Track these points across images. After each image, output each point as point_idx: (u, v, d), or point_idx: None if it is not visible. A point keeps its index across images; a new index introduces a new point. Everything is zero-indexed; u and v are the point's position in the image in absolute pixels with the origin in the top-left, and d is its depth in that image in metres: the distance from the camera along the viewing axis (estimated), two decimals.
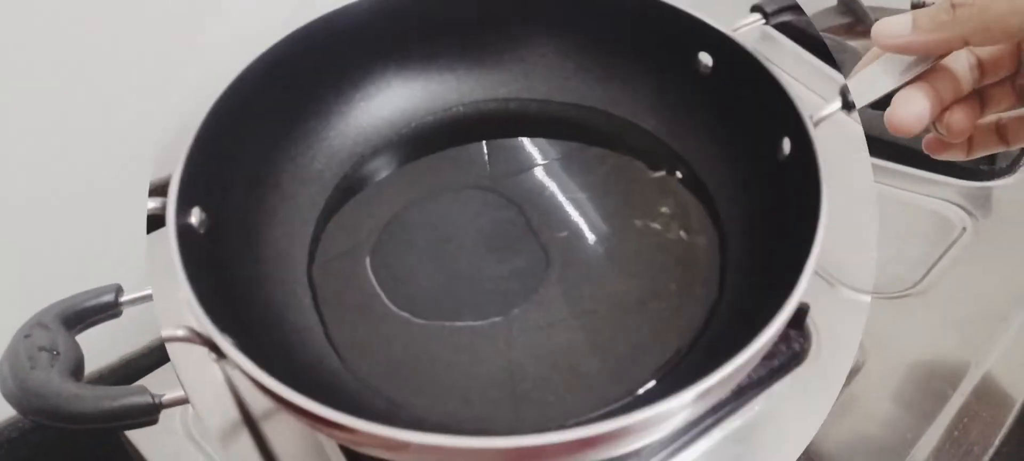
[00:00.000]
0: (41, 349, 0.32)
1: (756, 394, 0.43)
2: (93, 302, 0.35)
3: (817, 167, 0.38)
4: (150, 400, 0.31)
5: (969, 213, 0.53)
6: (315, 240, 0.46)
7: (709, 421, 0.42)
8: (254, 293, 0.41)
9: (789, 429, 0.42)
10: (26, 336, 0.32)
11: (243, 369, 0.31)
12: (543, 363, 0.40)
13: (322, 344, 0.41)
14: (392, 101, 0.51)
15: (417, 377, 0.40)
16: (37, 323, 0.33)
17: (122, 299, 0.36)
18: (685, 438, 0.41)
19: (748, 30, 0.45)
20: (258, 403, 0.44)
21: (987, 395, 0.43)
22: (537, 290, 0.43)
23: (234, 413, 0.44)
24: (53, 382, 0.31)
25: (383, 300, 0.43)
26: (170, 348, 0.45)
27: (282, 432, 0.43)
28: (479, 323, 0.42)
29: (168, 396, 0.32)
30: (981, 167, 0.56)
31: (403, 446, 0.29)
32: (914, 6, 0.69)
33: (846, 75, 0.42)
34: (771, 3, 0.45)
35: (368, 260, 0.45)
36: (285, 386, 0.30)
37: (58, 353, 0.32)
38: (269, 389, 0.30)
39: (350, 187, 0.48)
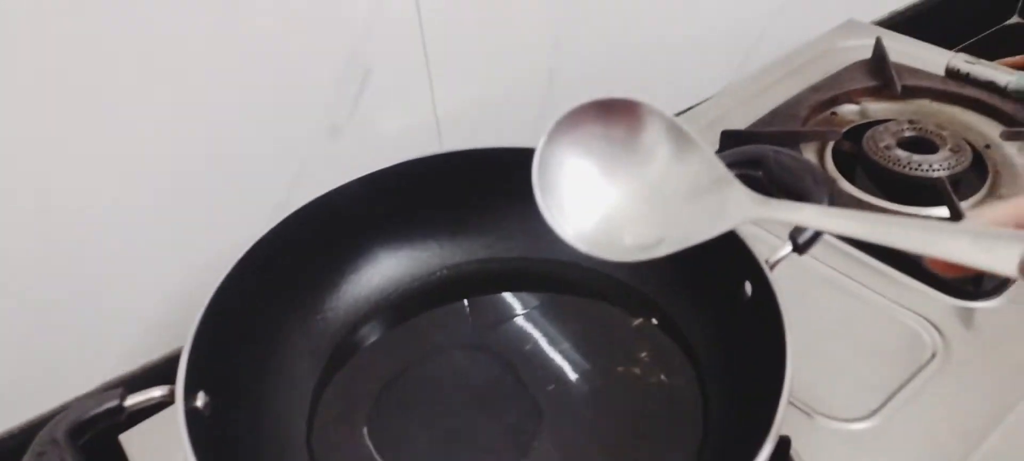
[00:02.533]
0: None
1: None
2: (99, 410, 0.38)
3: (777, 306, 0.41)
4: None
5: (941, 335, 0.53)
6: (313, 410, 0.47)
7: None
8: None
9: None
10: (39, 454, 0.34)
11: None
12: None
13: None
14: (380, 270, 0.54)
15: None
16: (50, 439, 0.35)
17: (127, 403, 0.38)
18: None
19: None
20: None
21: None
22: (532, 444, 0.45)
23: None
24: None
25: None
26: None
27: None
28: None
29: None
30: (966, 286, 0.55)
31: None
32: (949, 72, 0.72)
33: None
34: (721, 158, 0.50)
35: (365, 428, 0.46)
36: None
37: None
38: None
39: (343, 355, 0.51)
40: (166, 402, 0.40)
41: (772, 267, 0.44)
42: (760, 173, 0.50)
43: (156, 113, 0.50)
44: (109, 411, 0.38)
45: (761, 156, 0.49)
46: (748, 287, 0.45)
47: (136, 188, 0.52)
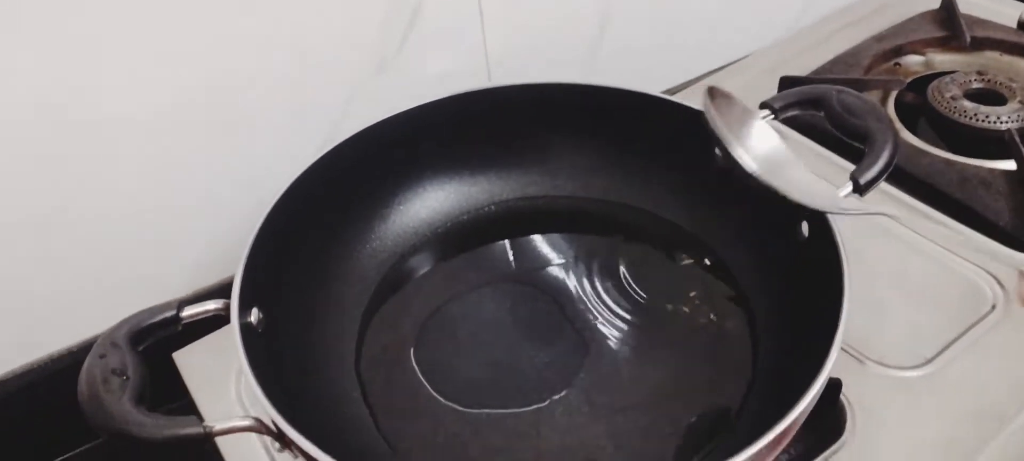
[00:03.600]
0: (114, 371, 0.35)
1: None
2: (157, 319, 0.39)
3: (837, 245, 0.40)
4: (202, 431, 0.34)
5: (1003, 288, 0.51)
6: (361, 337, 0.48)
7: None
8: (307, 388, 0.43)
9: None
10: (101, 356, 0.36)
11: (309, 454, 0.33)
12: (586, 447, 0.42)
13: (373, 434, 0.43)
14: (428, 204, 0.54)
15: None
16: (110, 343, 0.36)
17: (183, 314, 0.39)
18: None
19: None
20: None
21: None
22: (577, 376, 0.45)
23: None
24: (123, 408, 0.34)
25: (429, 391, 0.45)
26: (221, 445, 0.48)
27: None
28: (522, 410, 0.43)
29: (218, 426, 0.35)
30: None
31: None
32: (1021, 24, 0.71)
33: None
34: (779, 99, 0.49)
35: (413, 353, 0.47)
36: None
37: (127, 376, 0.35)
38: None
39: (391, 285, 0.51)
40: (220, 316, 0.40)
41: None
42: (822, 113, 0.48)
43: (212, 38, 0.50)
44: (166, 320, 0.39)
45: (823, 96, 0.48)
46: (805, 228, 0.44)
47: (193, 116, 0.52)
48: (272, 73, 0.54)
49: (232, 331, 0.39)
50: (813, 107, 0.48)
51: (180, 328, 0.40)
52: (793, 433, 0.36)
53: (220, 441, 0.47)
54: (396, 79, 0.59)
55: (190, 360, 0.53)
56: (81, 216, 0.52)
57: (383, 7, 0.56)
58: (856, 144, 0.46)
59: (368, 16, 0.56)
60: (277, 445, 0.36)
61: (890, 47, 0.72)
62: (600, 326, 0.48)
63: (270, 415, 0.34)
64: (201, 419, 0.35)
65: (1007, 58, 0.71)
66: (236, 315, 0.39)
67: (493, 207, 0.55)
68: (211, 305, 0.40)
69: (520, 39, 0.65)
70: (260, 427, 0.36)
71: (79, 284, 0.55)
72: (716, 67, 0.76)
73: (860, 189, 0.43)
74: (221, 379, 0.51)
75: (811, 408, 0.36)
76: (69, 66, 0.47)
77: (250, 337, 0.39)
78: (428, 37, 0.59)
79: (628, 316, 0.48)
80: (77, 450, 0.59)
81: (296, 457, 0.36)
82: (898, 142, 0.45)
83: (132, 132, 0.51)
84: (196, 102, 0.52)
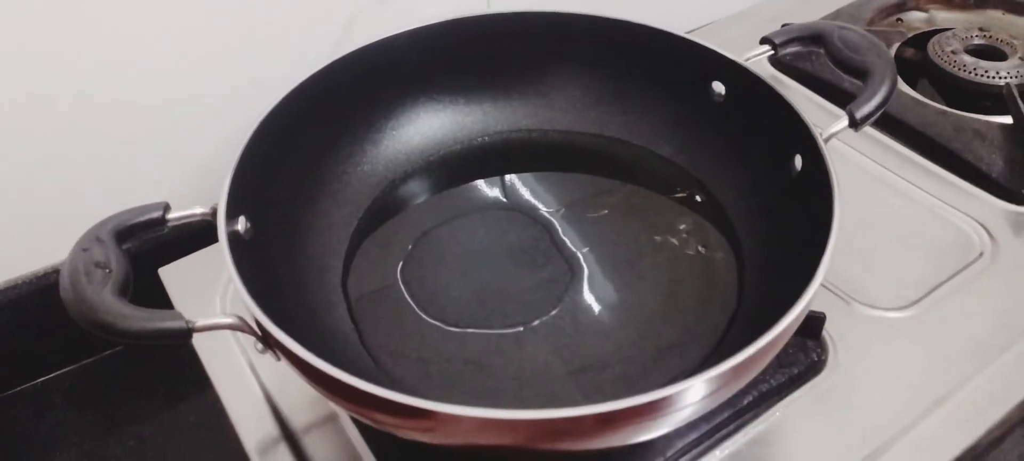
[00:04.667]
0: (96, 265, 0.34)
1: (776, 401, 0.44)
2: (143, 218, 0.38)
3: (829, 177, 0.40)
4: (184, 325, 0.34)
5: (991, 237, 0.52)
6: (349, 255, 0.48)
7: (732, 426, 0.43)
8: (294, 299, 0.43)
9: (808, 436, 0.43)
10: (84, 250, 0.35)
11: (291, 352, 0.33)
12: (568, 367, 0.42)
13: (357, 348, 0.43)
14: (421, 131, 0.54)
15: (446, 379, 0.41)
16: (94, 237, 0.36)
17: (169, 216, 0.39)
18: (709, 442, 0.42)
19: (758, 60, 0.48)
20: (298, 418, 0.45)
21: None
22: (562, 299, 0.45)
23: (273, 429, 0.45)
24: (105, 299, 0.33)
25: (413, 309, 0.45)
26: (205, 357, 0.48)
27: (321, 447, 0.44)
28: (506, 331, 0.43)
29: (200, 322, 0.34)
30: (1022, 190, 0.54)
31: (431, 415, 0.31)
32: None
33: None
34: (780, 35, 0.48)
35: (399, 273, 0.47)
36: (327, 364, 0.32)
37: (111, 270, 0.35)
38: (312, 366, 0.32)
39: (382, 209, 0.51)
40: (207, 222, 0.40)
41: (827, 141, 0.42)
42: (822, 50, 0.48)
43: None
44: (152, 221, 0.38)
45: (824, 31, 0.47)
46: (798, 161, 0.44)
47: (196, 33, 0.53)
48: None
49: (219, 234, 0.38)
50: (814, 43, 0.48)
51: (165, 229, 0.39)
52: (769, 357, 0.36)
53: (201, 348, 0.48)
54: (397, 6, 0.59)
55: (175, 274, 0.53)
56: (80, 127, 0.52)
57: None
58: (855, 81, 0.46)
59: None
60: (260, 346, 0.36)
61: (893, 2, 0.72)
62: (589, 253, 0.47)
63: (253, 313, 0.34)
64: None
65: (1010, 17, 0.71)
66: (223, 219, 0.39)
67: (487, 138, 0.55)
68: (198, 210, 0.40)
69: None
70: (243, 326, 0.35)
71: (69, 201, 0.54)
72: (722, 17, 0.75)
73: (855, 123, 0.43)
74: (206, 293, 0.51)
75: (790, 334, 0.36)
76: None
77: (237, 244, 0.39)
78: None
79: (617, 245, 0.48)
80: (66, 368, 0.60)
81: (278, 359, 0.36)
82: (896, 80, 0.45)
83: (134, 48, 0.50)
84: (198, 25, 0.52)
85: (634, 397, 0.31)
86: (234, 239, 0.39)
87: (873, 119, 0.43)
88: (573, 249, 0.48)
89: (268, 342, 0.35)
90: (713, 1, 0.75)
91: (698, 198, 0.50)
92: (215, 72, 0.55)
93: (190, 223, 0.56)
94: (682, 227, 0.49)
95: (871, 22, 0.69)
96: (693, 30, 0.73)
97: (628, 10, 0.51)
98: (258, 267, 0.41)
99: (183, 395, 0.59)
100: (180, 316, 0.34)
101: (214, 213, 0.40)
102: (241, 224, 0.41)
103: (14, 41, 0.48)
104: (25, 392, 0.59)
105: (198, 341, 0.49)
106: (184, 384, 0.58)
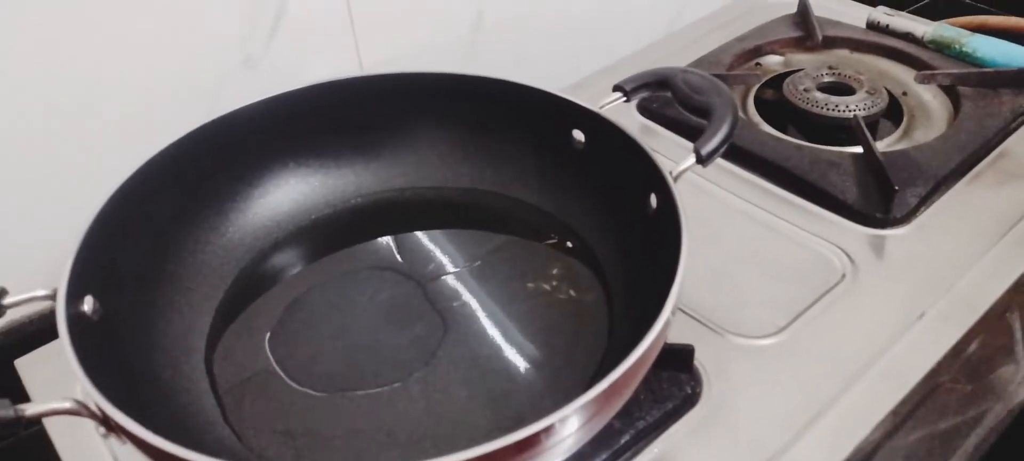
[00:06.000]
0: None
1: (655, 436, 0.44)
2: None
3: (677, 211, 0.41)
4: (12, 413, 0.32)
5: (851, 261, 0.54)
6: (214, 330, 0.46)
7: None
8: (150, 381, 0.41)
9: None
10: None
11: (134, 435, 0.31)
12: (442, 421, 0.41)
13: (220, 426, 0.41)
14: (291, 196, 0.53)
15: (317, 448, 0.40)
16: None
17: (5, 301, 0.37)
18: None
19: (612, 107, 0.50)
20: None
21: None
22: (435, 354, 0.44)
23: None
24: None
25: (282, 378, 0.43)
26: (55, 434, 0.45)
27: None
28: (379, 390, 0.43)
29: (30, 410, 0.32)
30: (876, 213, 0.56)
31: None
32: (869, 24, 0.75)
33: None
34: (630, 82, 0.50)
35: (267, 343, 0.45)
36: (165, 440, 0.30)
37: None
38: (152, 446, 0.31)
39: (249, 280, 0.50)
40: (52, 306, 0.38)
41: (676, 178, 0.44)
42: (669, 93, 0.50)
43: (70, 40, 0.49)
44: None
45: (669, 76, 0.49)
46: (653, 200, 0.45)
47: (52, 109, 0.51)
48: (133, 68, 0.52)
49: (58, 316, 0.36)
50: (661, 88, 0.50)
51: (2, 315, 0.37)
52: (625, 392, 0.36)
53: (54, 434, 0.45)
54: (266, 76, 0.58)
55: (32, 364, 0.50)
56: None
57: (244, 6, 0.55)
58: (701, 120, 0.48)
59: (230, 10, 0.55)
60: (102, 430, 0.34)
61: (751, 47, 0.76)
62: (461, 306, 0.47)
63: (88, 392, 0.32)
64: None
65: (856, 55, 0.76)
66: (63, 301, 0.37)
67: (359, 199, 0.55)
68: (39, 292, 0.38)
69: (393, 44, 0.65)
70: (81, 409, 0.33)
71: None
72: (591, 72, 0.78)
73: (702, 159, 0.45)
74: (65, 382, 0.48)
75: (649, 362, 0.37)
76: None
77: (80, 325, 0.37)
78: (296, 34, 0.59)
79: (489, 294, 0.48)
80: None
81: (123, 442, 0.34)
82: (738, 116, 0.47)
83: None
84: (55, 100, 0.50)
85: (505, 437, 0.30)
86: (76, 322, 0.37)
87: (718, 154, 0.45)
88: (445, 303, 0.48)
89: (108, 424, 0.33)
90: (582, 57, 0.78)
91: (569, 243, 0.51)
92: (65, 136, 0.53)
93: (49, 312, 0.53)
94: (554, 273, 0.49)
95: (731, 67, 0.73)
96: (566, 89, 0.75)
97: (499, 66, 0.53)
98: (110, 349, 0.39)
99: None
100: (8, 404, 0.32)
101: (55, 293, 0.38)
102: (88, 304, 0.39)
103: None
104: None
105: (58, 439, 0.46)
106: None
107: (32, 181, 0.52)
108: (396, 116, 0.55)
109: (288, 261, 0.51)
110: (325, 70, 0.61)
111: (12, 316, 0.52)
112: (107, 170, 0.52)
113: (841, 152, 0.62)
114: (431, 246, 0.52)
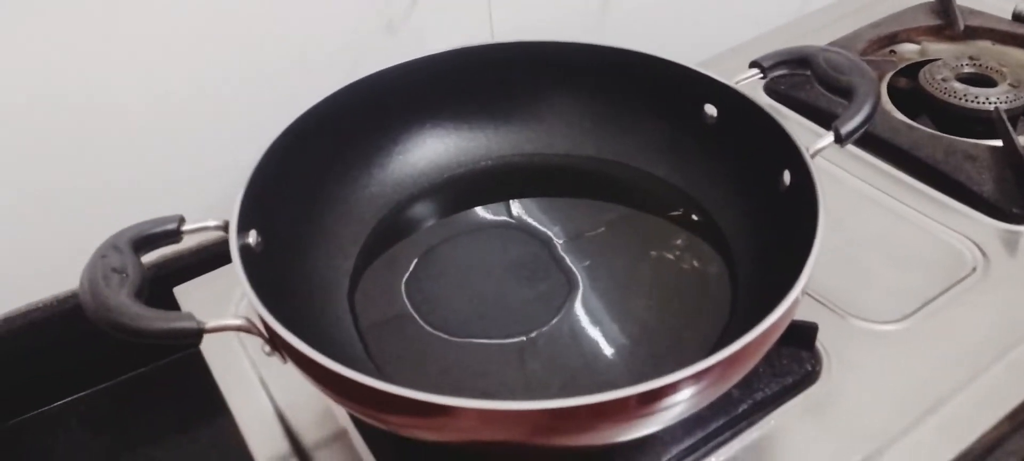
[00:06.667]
0: (114, 270, 0.36)
1: (772, 409, 0.45)
2: (159, 229, 0.40)
3: (815, 188, 0.41)
4: (195, 326, 0.35)
5: (983, 254, 0.53)
6: (355, 272, 0.50)
7: (727, 433, 0.44)
8: (300, 310, 0.44)
9: (801, 443, 0.43)
10: (103, 256, 0.37)
11: (295, 349, 0.35)
12: (565, 374, 0.43)
13: (362, 359, 0.44)
14: (427, 155, 0.56)
15: (448, 388, 0.43)
16: (112, 245, 0.38)
17: (184, 228, 0.41)
18: (705, 448, 0.43)
19: (748, 83, 0.50)
20: (308, 435, 0.46)
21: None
22: (561, 310, 0.46)
23: (285, 446, 0.46)
24: (122, 301, 0.35)
25: (417, 320, 0.46)
26: (218, 374, 0.49)
27: None
28: (507, 340, 0.45)
29: (211, 323, 0.36)
30: (1013, 209, 0.55)
31: (439, 409, 0.32)
32: (1015, 15, 0.72)
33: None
34: (768, 58, 0.50)
35: (403, 287, 0.48)
36: (333, 361, 0.33)
37: (127, 275, 0.37)
38: (318, 364, 0.34)
39: (387, 229, 0.53)
40: (220, 236, 0.42)
41: (813, 155, 0.44)
42: (806, 72, 0.50)
43: (246, 8, 0.54)
44: (167, 232, 0.41)
45: (810, 54, 0.49)
46: (787, 176, 0.46)
47: (215, 70, 0.56)
48: (286, 28, 0.57)
49: (230, 245, 0.40)
50: (800, 66, 0.50)
51: (180, 240, 0.41)
52: (757, 355, 0.37)
53: (214, 366, 0.50)
54: (404, 41, 0.61)
55: (189, 293, 0.55)
56: (99, 148, 0.55)
57: None
58: (842, 101, 0.47)
59: None
60: (267, 348, 0.38)
61: (886, 34, 0.74)
62: (587, 268, 0.49)
63: (260, 313, 0.36)
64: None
65: (999, 47, 0.73)
66: (235, 232, 0.41)
67: (489, 161, 0.57)
68: (211, 222, 0.42)
69: (524, 14, 0.67)
70: (251, 327, 0.37)
71: (87, 226, 0.57)
72: (718, 52, 0.77)
73: (841, 139, 0.45)
74: (218, 307, 0.52)
75: (776, 335, 0.37)
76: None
77: (247, 255, 0.41)
78: (434, 7, 0.61)
79: (614, 260, 0.50)
80: (82, 393, 0.61)
81: (284, 361, 0.38)
82: (879, 98, 0.46)
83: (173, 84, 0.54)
84: (216, 60, 0.55)
85: (631, 387, 0.32)
86: (245, 251, 0.41)
87: (857, 135, 0.45)
88: (571, 264, 0.49)
89: (275, 343, 0.37)
90: (711, 39, 0.78)
91: (693, 217, 0.52)
92: (231, 91, 0.58)
93: (205, 246, 0.58)
94: (677, 243, 0.50)
95: (864, 52, 0.72)
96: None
97: (627, 41, 0.54)
98: (267, 279, 0.43)
99: (196, 419, 0.60)
100: (192, 317, 0.36)
101: (226, 226, 0.42)
102: (252, 237, 0.43)
103: (34, 56, 0.51)
104: (43, 415, 0.61)
105: (212, 360, 0.50)
106: (197, 408, 0.60)
107: (202, 130, 0.58)
108: (526, 84, 0.57)
109: (422, 214, 0.54)
110: (459, 38, 0.64)
111: (167, 251, 0.58)
112: (264, 123, 0.57)
113: (978, 144, 0.60)
114: (558, 210, 0.54)
